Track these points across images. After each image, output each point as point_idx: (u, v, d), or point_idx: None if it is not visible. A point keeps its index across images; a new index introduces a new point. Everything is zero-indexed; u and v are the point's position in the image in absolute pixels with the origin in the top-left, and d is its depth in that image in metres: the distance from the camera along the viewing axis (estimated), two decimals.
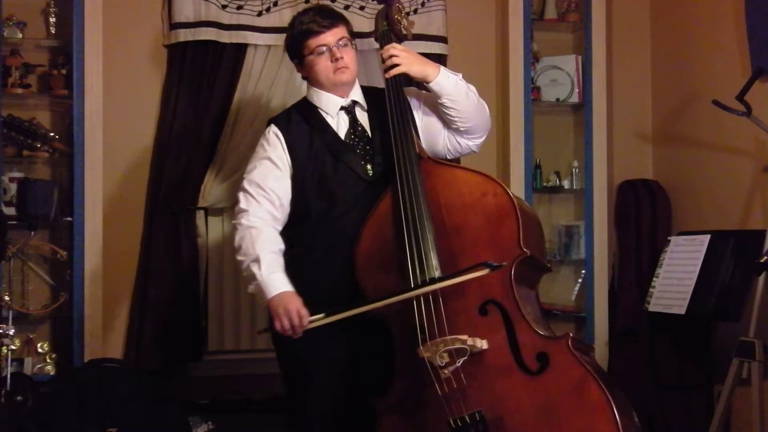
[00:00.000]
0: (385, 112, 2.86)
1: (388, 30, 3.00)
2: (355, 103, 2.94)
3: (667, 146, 4.62)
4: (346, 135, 2.90)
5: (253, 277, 2.73)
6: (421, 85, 2.94)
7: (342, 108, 2.92)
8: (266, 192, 2.83)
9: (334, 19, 2.88)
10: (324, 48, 2.84)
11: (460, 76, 2.92)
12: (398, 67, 2.85)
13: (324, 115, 2.91)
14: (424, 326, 2.61)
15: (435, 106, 2.92)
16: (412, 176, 2.73)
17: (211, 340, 4.24)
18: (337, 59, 2.84)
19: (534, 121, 4.46)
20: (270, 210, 2.83)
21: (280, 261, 2.76)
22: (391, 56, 2.87)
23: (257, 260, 2.72)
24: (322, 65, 2.86)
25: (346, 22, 2.92)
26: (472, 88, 2.94)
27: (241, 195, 2.86)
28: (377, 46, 3.02)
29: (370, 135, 2.91)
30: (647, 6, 4.76)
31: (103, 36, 4.01)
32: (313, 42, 2.84)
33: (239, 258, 2.79)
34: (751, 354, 3.33)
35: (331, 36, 2.84)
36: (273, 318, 2.69)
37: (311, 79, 2.93)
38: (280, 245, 2.80)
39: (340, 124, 2.91)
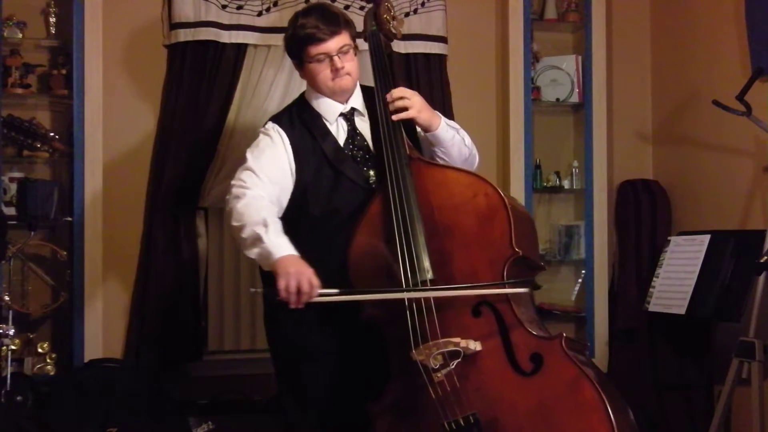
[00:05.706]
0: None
1: (377, 30, 2.99)
2: (354, 110, 2.91)
3: (667, 146, 4.61)
4: (345, 143, 2.87)
5: (258, 240, 2.56)
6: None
7: (341, 114, 2.89)
8: (271, 182, 2.75)
9: (336, 25, 2.78)
10: (324, 56, 2.79)
11: (458, 129, 2.92)
12: (408, 112, 2.79)
13: (324, 121, 2.88)
14: (416, 329, 2.59)
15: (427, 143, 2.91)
16: (402, 177, 2.72)
17: (211, 340, 4.25)
18: (337, 69, 2.79)
19: (534, 121, 4.46)
20: (271, 197, 2.73)
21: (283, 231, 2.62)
22: (401, 98, 2.80)
23: (264, 223, 2.57)
24: (322, 74, 2.81)
25: (348, 27, 2.83)
26: (468, 142, 2.94)
27: (246, 173, 2.74)
28: (366, 46, 3.01)
29: (369, 143, 2.88)
30: (647, 6, 4.75)
31: (103, 36, 4.02)
32: (314, 50, 2.78)
33: (238, 223, 2.63)
34: (751, 354, 3.32)
35: (333, 44, 2.78)
36: (280, 277, 2.49)
37: (311, 83, 2.89)
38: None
39: (339, 132, 2.89)
